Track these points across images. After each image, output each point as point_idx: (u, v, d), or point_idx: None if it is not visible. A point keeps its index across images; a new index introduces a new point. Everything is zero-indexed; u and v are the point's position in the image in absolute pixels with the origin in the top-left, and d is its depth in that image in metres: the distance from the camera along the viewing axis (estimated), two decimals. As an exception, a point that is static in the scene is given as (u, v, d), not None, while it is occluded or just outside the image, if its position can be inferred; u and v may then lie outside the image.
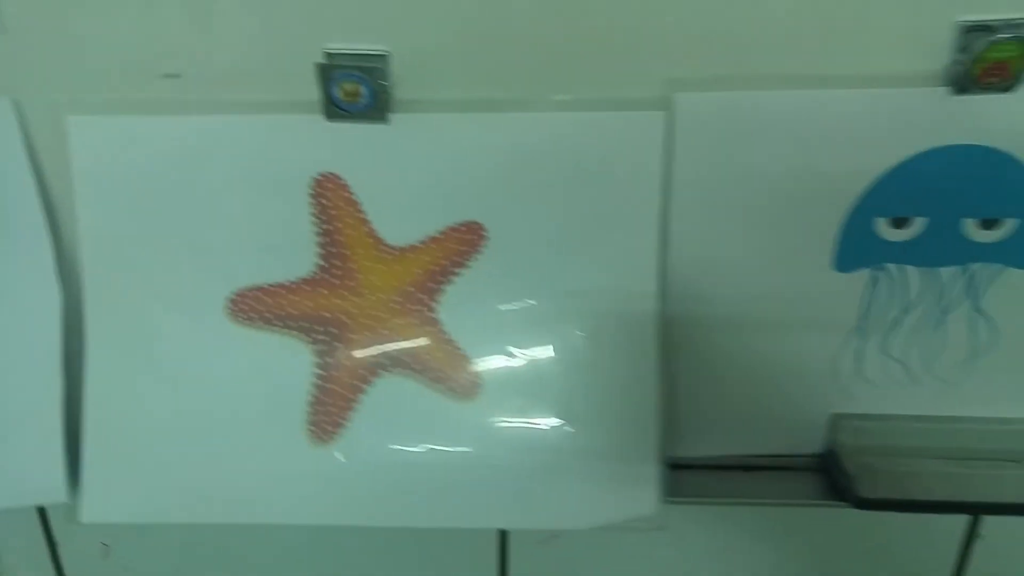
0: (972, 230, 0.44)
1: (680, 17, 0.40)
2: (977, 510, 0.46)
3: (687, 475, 0.51)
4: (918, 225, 0.44)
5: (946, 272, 0.45)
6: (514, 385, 0.45)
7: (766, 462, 0.51)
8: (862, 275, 0.45)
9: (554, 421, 0.45)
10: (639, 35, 0.41)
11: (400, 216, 0.44)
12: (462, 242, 0.44)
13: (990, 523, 0.54)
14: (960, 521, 0.55)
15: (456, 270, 0.45)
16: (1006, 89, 0.40)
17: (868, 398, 0.49)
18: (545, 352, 0.45)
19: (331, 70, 0.41)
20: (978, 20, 0.38)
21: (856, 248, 0.45)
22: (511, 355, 0.45)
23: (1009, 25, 0.38)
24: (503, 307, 0.45)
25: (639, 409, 0.45)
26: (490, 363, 0.45)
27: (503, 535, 0.57)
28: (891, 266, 0.45)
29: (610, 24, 0.40)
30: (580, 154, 0.43)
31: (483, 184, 0.44)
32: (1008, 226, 0.43)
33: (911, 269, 0.45)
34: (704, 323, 0.47)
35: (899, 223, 0.44)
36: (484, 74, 0.42)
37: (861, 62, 0.41)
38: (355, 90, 0.41)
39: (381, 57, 0.41)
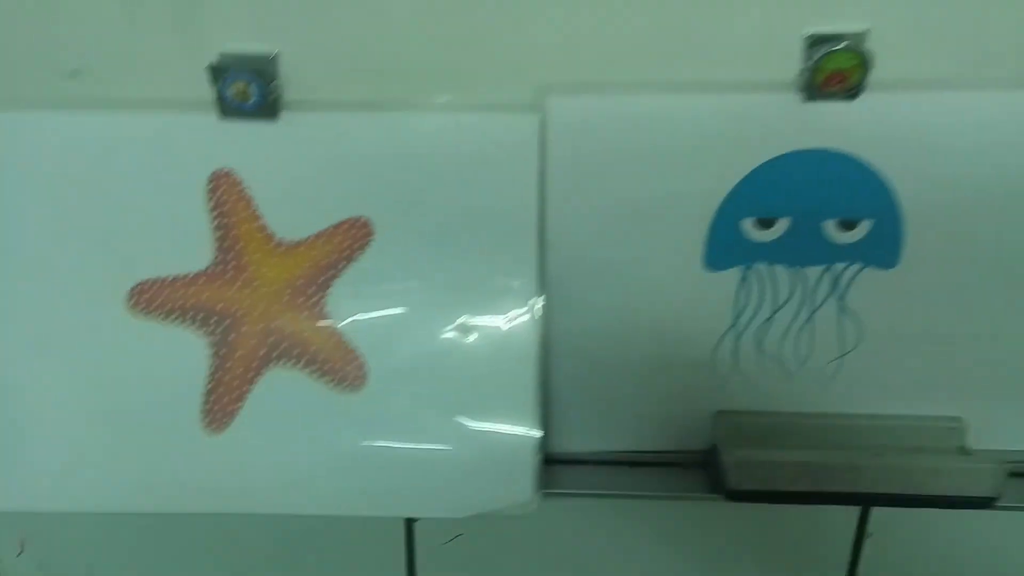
0: (832, 231, 0.46)
1: (552, 26, 0.43)
2: (841, 500, 0.47)
3: (574, 470, 0.52)
4: (782, 226, 0.46)
5: (812, 271, 0.47)
6: (398, 377, 0.46)
7: (656, 458, 0.53)
8: (733, 274, 0.48)
9: (436, 412, 0.46)
10: (514, 42, 0.43)
11: (291, 212, 0.46)
12: (349, 237, 0.46)
13: (879, 521, 0.56)
14: (851, 519, 0.56)
15: (344, 264, 0.46)
16: (851, 96, 0.43)
17: (748, 394, 0.51)
18: (428, 344, 0.46)
19: (222, 70, 0.43)
20: (820, 32, 0.42)
21: (725, 248, 0.47)
22: (396, 347, 0.46)
23: (846, 37, 0.41)
24: (388, 300, 0.46)
25: (517, 401, 0.46)
26: (376, 355, 0.46)
27: (410, 535, 0.57)
28: (760, 265, 0.47)
29: (487, 31, 0.43)
30: (460, 154, 0.45)
31: (369, 181, 0.46)
32: (864, 227, 0.46)
33: (779, 268, 0.47)
34: (585, 319, 0.49)
35: (764, 224, 0.46)
36: (370, 76, 0.45)
37: (721, 70, 0.43)
38: (245, 90, 0.43)
39: (270, 59, 0.43)
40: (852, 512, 0.55)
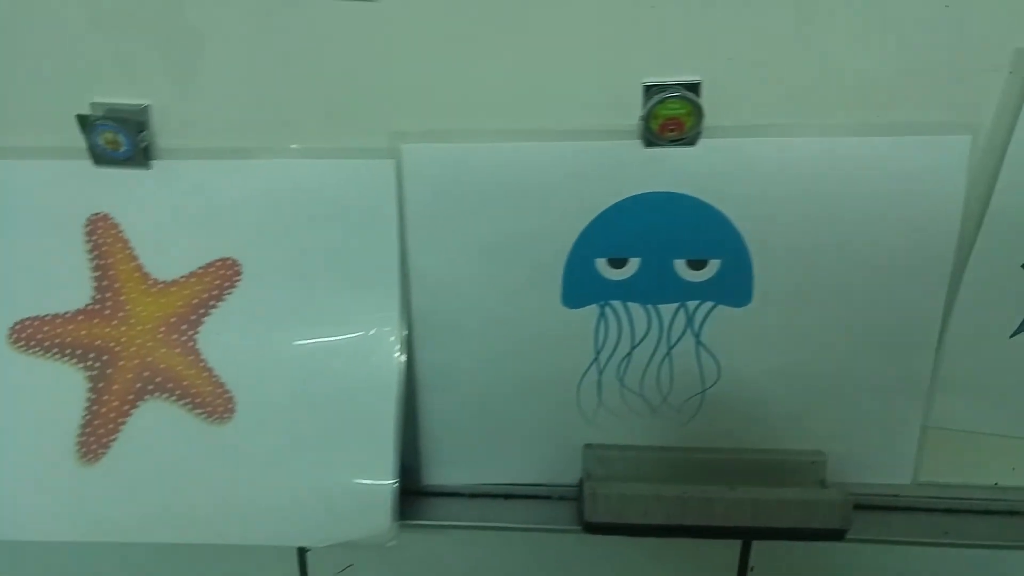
0: (683, 270, 0.47)
1: (406, 76, 0.45)
2: (696, 533, 0.47)
3: (449, 502, 0.53)
4: (633, 265, 0.47)
5: (666, 308, 0.48)
6: (265, 410, 0.48)
7: (532, 491, 0.54)
8: (591, 311, 0.49)
9: (299, 445, 0.47)
10: (371, 91, 0.45)
11: (165, 253, 0.48)
12: (219, 277, 0.48)
13: (760, 555, 0.56)
14: (733, 553, 0.56)
15: (214, 303, 0.48)
16: (690, 142, 0.44)
17: (614, 429, 0.51)
18: (294, 379, 0.48)
19: (91, 121, 0.45)
20: (655, 82, 0.43)
21: (580, 286, 0.48)
22: (263, 382, 0.48)
23: (678, 87, 0.43)
24: (256, 337, 0.48)
25: (377, 436, 0.47)
26: (244, 390, 0.48)
27: (303, 564, 0.58)
28: (615, 303, 0.48)
29: (345, 82, 0.45)
30: (322, 198, 0.47)
31: (238, 224, 0.47)
32: (713, 266, 0.47)
33: (634, 306, 0.48)
34: (452, 355, 0.50)
35: (616, 263, 0.47)
36: (238, 125, 0.46)
37: (568, 118, 0.45)
38: (114, 139, 0.45)
39: (140, 109, 0.45)
40: (734, 546, 0.56)
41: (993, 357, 0.47)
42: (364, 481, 0.47)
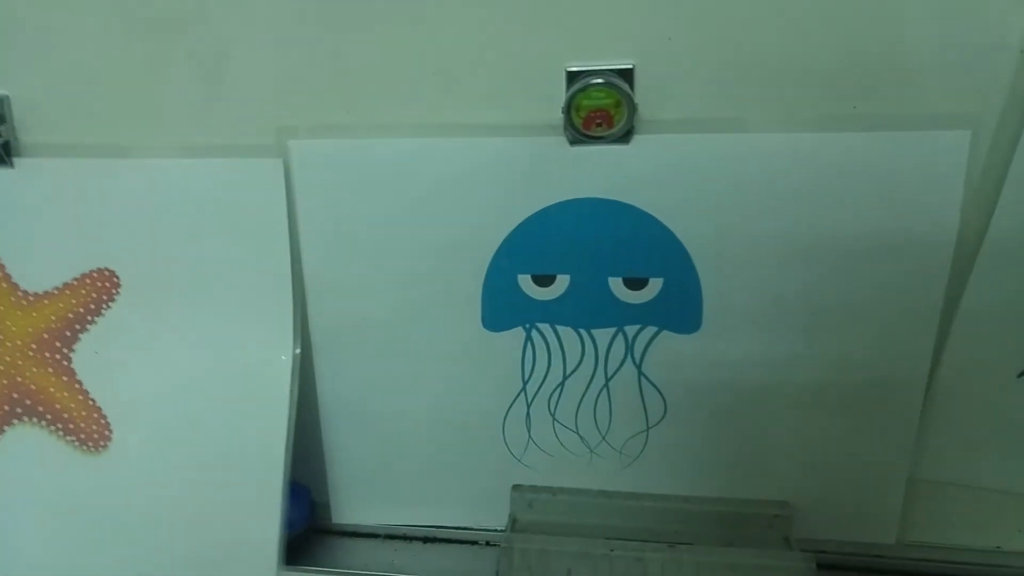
0: (620, 290, 0.40)
1: (294, 62, 0.38)
2: (628, 599, 0.41)
3: (359, 543, 0.47)
4: (562, 283, 0.40)
5: (602, 334, 0.41)
6: (144, 440, 0.42)
7: (457, 535, 0.47)
8: (516, 335, 0.42)
9: (182, 478, 0.42)
10: (254, 81, 0.39)
11: (34, 262, 0.42)
12: (95, 290, 0.42)
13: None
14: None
15: (91, 318, 0.42)
16: (622, 140, 0.37)
17: (547, 469, 0.45)
18: (176, 405, 0.42)
19: (-57, 112, 0.40)
20: (580, 67, 0.36)
21: (502, 306, 0.41)
22: (143, 408, 0.42)
23: (605, 72, 0.35)
24: (136, 358, 0.42)
25: (267, 471, 0.41)
26: (121, 416, 0.42)
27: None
28: (543, 326, 0.41)
29: (227, 70, 0.39)
30: (203, 201, 0.41)
31: (114, 230, 0.42)
32: (655, 286, 0.40)
33: (565, 330, 0.41)
34: (359, 382, 0.44)
35: (542, 281, 0.40)
36: (109, 120, 0.41)
37: (480, 111, 0.38)
38: (-28, 133, 0.40)
39: (-2, 101, 0.40)
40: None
41: (996, 398, 0.39)
42: (249, 522, 0.41)
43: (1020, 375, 0.38)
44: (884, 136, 0.35)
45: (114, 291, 0.42)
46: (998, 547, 0.43)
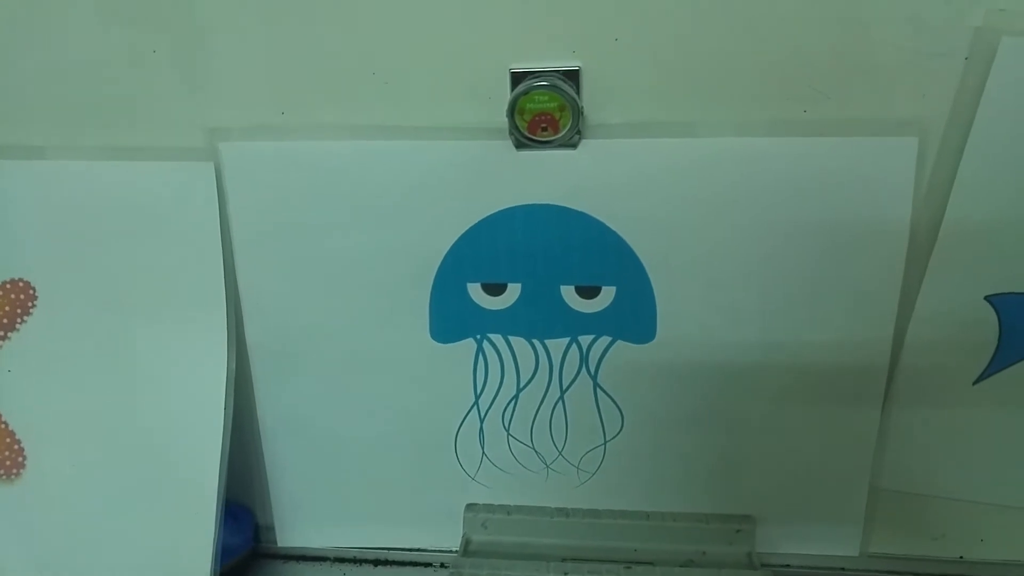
0: (573, 298, 0.41)
1: (223, 58, 0.38)
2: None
3: (308, 567, 0.47)
4: (513, 292, 0.41)
5: (555, 344, 0.42)
6: (63, 465, 0.42)
7: (408, 556, 0.47)
8: (467, 346, 0.43)
9: (105, 506, 0.41)
10: (180, 76, 0.39)
11: (-56, 273, 0.42)
12: (9, 302, 0.41)
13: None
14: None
15: (4, 333, 0.42)
16: (570, 144, 0.38)
17: (502, 486, 0.45)
18: (100, 427, 0.42)
19: None
20: (524, 68, 0.37)
21: (452, 317, 0.42)
22: (61, 431, 0.42)
23: (550, 73, 0.36)
24: (55, 377, 0.42)
25: (199, 494, 0.41)
26: (37, 441, 0.42)
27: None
28: (495, 337, 0.42)
29: (151, 64, 0.38)
30: (128, 207, 0.40)
31: (29, 238, 0.41)
32: (608, 294, 0.41)
33: (517, 340, 0.42)
34: (301, 396, 0.44)
35: (493, 290, 0.41)
36: (23, 118, 0.40)
37: (423, 112, 0.38)
38: None
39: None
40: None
41: (952, 406, 0.41)
42: (180, 549, 0.41)
43: (975, 383, 0.40)
44: (834, 142, 0.36)
45: (29, 304, 0.42)
46: (960, 557, 0.45)
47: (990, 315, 0.38)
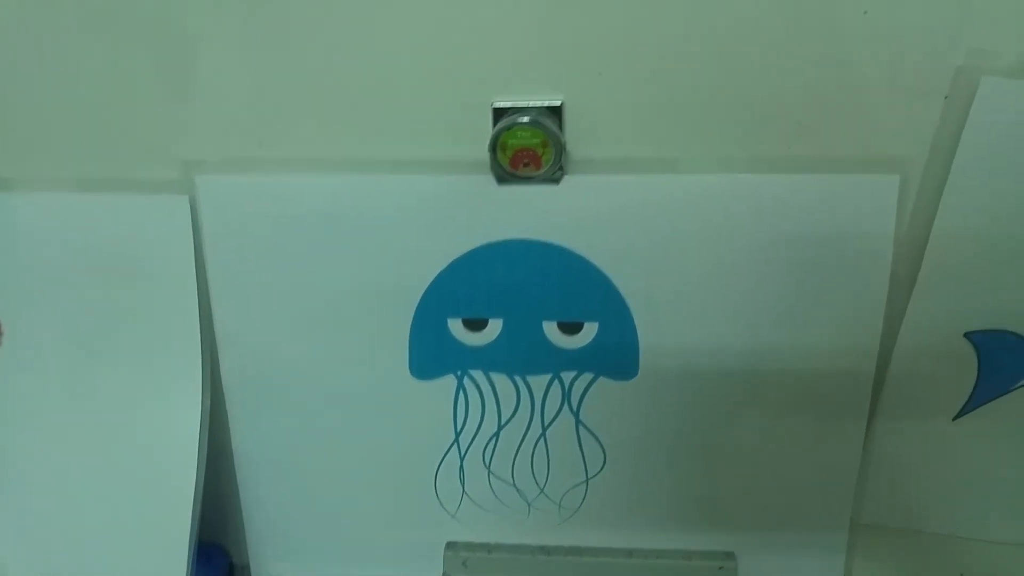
0: (555, 334, 0.41)
1: (201, 88, 0.38)
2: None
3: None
4: (494, 328, 0.41)
5: (537, 381, 0.42)
6: (27, 508, 0.41)
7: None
8: (448, 383, 0.42)
9: (74, 543, 0.41)
10: (156, 108, 0.38)
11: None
12: (-27, 339, 0.41)
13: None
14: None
15: (-31, 371, 0.41)
16: (552, 180, 0.38)
17: (483, 524, 0.45)
18: (67, 468, 0.41)
19: None
20: (507, 104, 0.37)
21: (432, 353, 0.42)
22: (26, 472, 0.41)
23: (533, 109, 0.36)
24: (20, 416, 0.41)
25: (171, 535, 0.40)
26: (4, 480, 0.41)
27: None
28: (476, 373, 0.42)
29: (126, 94, 0.38)
30: (102, 240, 0.40)
31: (-5, 273, 0.41)
32: (590, 330, 0.41)
33: (499, 377, 0.42)
34: (275, 431, 0.43)
35: (474, 325, 0.41)
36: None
37: (404, 146, 0.38)
38: None
39: None
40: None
41: (933, 441, 0.41)
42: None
43: (955, 418, 0.41)
44: (816, 179, 0.37)
45: (-4, 341, 0.41)
46: (943, 592, 0.46)
47: (970, 351, 0.39)
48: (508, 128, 0.36)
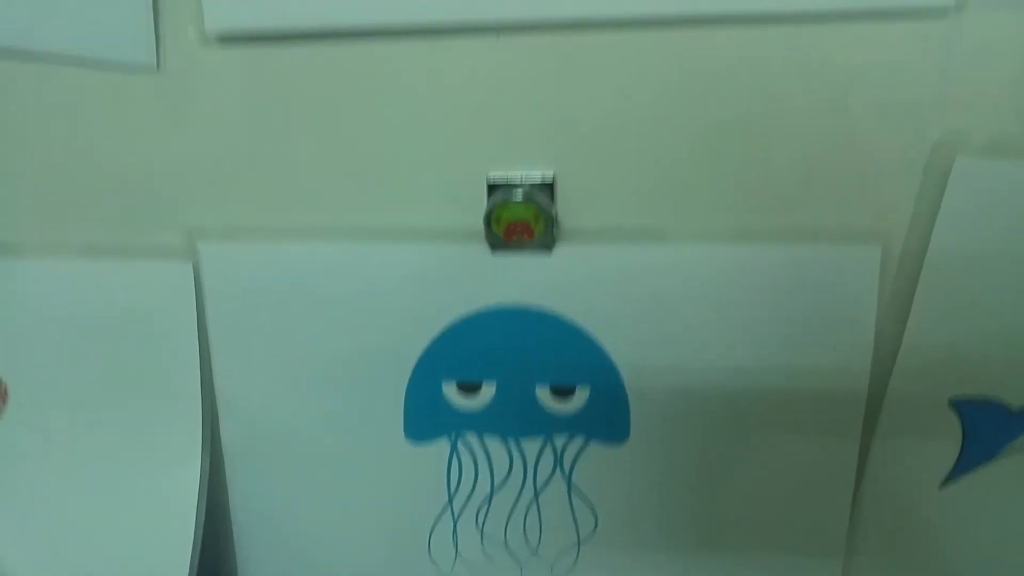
0: (547, 399, 0.42)
1: (206, 158, 0.40)
2: None
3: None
4: (488, 392, 0.42)
5: (530, 444, 0.43)
6: (31, 564, 0.41)
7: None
8: (441, 446, 0.43)
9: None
10: (163, 176, 0.40)
11: (-87, 370, 0.42)
12: (-21, 401, 0.42)
13: None
14: None
15: (-27, 433, 0.42)
16: (545, 249, 0.39)
17: (475, 586, 0.46)
18: (68, 527, 0.42)
19: None
20: (500, 179, 0.39)
21: (427, 416, 0.42)
22: (28, 532, 0.42)
23: (524, 186, 0.38)
24: (25, 476, 0.42)
25: None
26: (5, 540, 0.42)
27: None
28: (469, 436, 0.43)
29: (133, 163, 0.40)
30: (106, 307, 0.41)
31: (3, 336, 0.42)
32: (581, 395, 0.42)
33: (492, 440, 0.43)
34: (272, 494, 0.44)
35: (468, 389, 0.42)
36: (0, 216, 0.41)
37: (401, 215, 0.40)
38: None
39: None
40: None
41: (919, 510, 0.42)
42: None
43: (941, 487, 0.41)
44: (799, 249, 0.38)
45: (0, 402, 0.42)
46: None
47: (954, 419, 0.40)
48: (502, 204, 0.38)
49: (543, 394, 0.42)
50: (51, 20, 0.37)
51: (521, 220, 0.38)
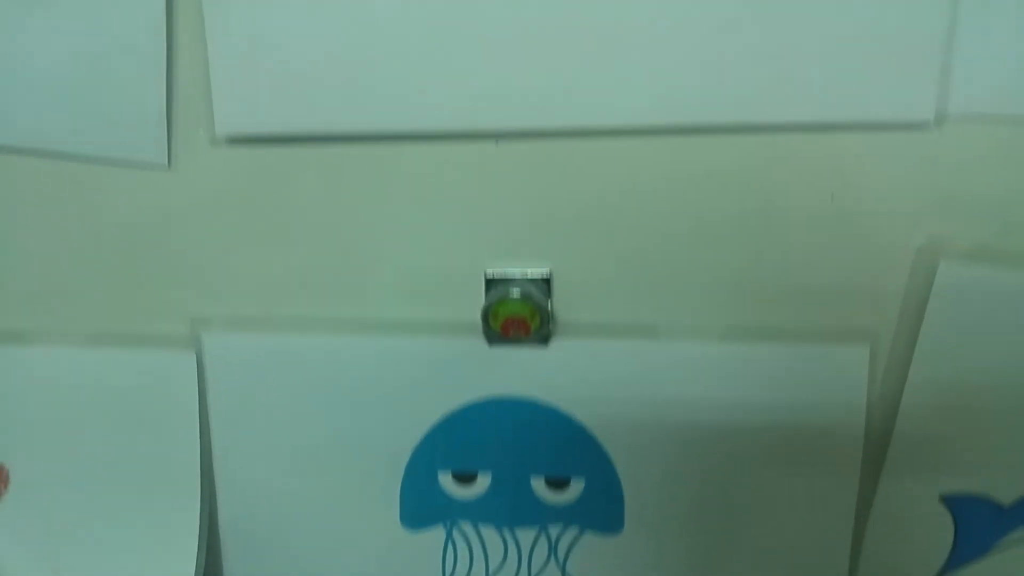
0: (542, 490, 0.42)
1: (211, 250, 0.41)
2: None
3: None
4: (484, 482, 0.43)
5: (525, 534, 0.43)
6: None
7: None
8: (437, 534, 0.44)
9: None
10: (168, 267, 0.41)
11: (-84, 454, 0.43)
12: (-20, 485, 0.43)
13: None
14: None
15: (-28, 517, 0.43)
16: (541, 342, 0.40)
17: (469, 676, 0.46)
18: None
19: None
20: (497, 274, 0.40)
21: (422, 504, 0.43)
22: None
23: (522, 282, 0.39)
24: (22, 560, 0.42)
25: None
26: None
27: None
28: (465, 525, 0.43)
29: (139, 254, 0.41)
30: (108, 394, 0.42)
31: (7, 421, 0.43)
32: (577, 486, 0.42)
33: (487, 529, 0.43)
34: (267, 581, 0.45)
35: (464, 479, 0.43)
36: (8, 304, 0.43)
37: (399, 308, 0.41)
38: None
39: None
40: None
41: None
42: None
43: (935, 581, 0.42)
44: (789, 349, 0.39)
45: (2, 487, 0.43)
46: None
47: (945, 516, 0.41)
48: (499, 300, 0.39)
49: (538, 485, 0.42)
50: (69, 122, 0.39)
51: (518, 316, 0.39)
